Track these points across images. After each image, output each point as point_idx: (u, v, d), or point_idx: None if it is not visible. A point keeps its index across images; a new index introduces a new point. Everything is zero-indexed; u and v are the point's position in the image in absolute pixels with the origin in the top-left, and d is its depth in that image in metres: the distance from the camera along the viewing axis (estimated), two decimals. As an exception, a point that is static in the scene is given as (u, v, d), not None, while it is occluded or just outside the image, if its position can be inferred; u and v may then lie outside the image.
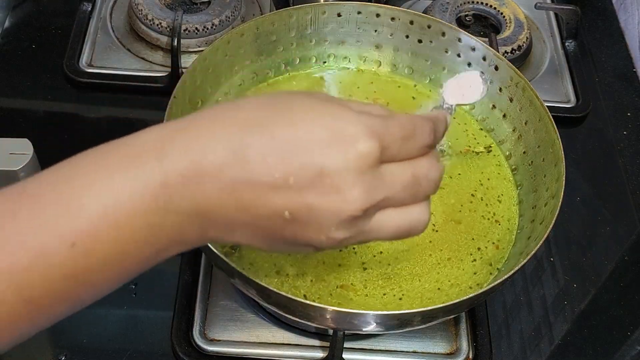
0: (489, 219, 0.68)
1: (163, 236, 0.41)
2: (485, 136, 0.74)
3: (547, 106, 0.68)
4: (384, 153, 0.42)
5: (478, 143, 0.73)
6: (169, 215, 0.40)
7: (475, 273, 0.64)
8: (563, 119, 0.87)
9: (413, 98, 0.76)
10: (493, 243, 0.66)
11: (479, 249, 0.66)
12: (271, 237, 0.43)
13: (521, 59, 0.91)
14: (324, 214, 0.41)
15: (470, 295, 0.55)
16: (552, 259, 0.77)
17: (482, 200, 0.69)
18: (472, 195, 0.69)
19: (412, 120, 0.44)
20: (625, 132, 0.89)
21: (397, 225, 0.44)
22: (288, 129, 0.41)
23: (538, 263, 0.76)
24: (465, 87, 0.56)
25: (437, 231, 0.66)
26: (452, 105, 0.54)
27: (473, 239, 0.66)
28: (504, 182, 0.70)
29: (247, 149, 0.40)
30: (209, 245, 0.56)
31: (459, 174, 0.71)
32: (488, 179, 0.71)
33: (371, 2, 0.77)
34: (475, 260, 0.65)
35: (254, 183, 0.40)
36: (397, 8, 0.76)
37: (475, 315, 0.69)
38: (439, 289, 0.63)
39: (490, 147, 0.73)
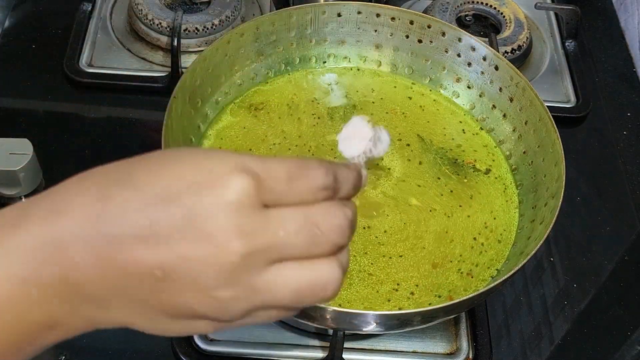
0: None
1: (29, 319, 0.36)
2: (490, 154, 0.73)
3: (547, 106, 0.68)
4: (264, 193, 0.37)
5: (480, 160, 0.73)
6: (31, 290, 0.36)
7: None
8: (563, 119, 0.87)
9: (409, 98, 0.76)
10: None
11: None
12: (149, 308, 0.37)
13: (521, 58, 0.91)
14: (198, 266, 0.35)
15: (470, 295, 0.55)
16: (552, 259, 0.77)
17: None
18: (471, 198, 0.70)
19: (303, 161, 0.39)
20: (625, 132, 0.89)
21: (297, 282, 0.37)
22: (153, 177, 0.36)
23: (538, 263, 0.76)
24: (359, 136, 0.51)
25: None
26: (355, 157, 0.46)
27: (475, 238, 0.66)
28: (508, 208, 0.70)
29: (108, 202, 0.36)
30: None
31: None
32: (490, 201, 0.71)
33: (371, 2, 0.76)
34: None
35: (117, 238, 0.35)
36: (397, 8, 0.76)
37: (475, 316, 0.69)
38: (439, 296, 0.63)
39: (490, 169, 0.72)
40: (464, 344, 0.68)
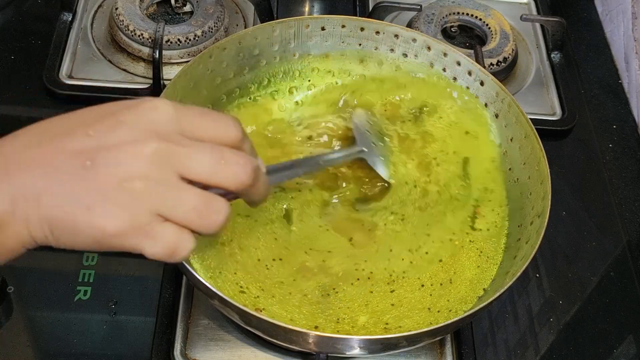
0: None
1: None
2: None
3: (532, 119, 0.68)
4: (182, 120, 0.45)
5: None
6: None
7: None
8: (549, 132, 0.87)
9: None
10: (478, 267, 0.66)
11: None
12: (73, 197, 0.43)
13: (507, 70, 0.91)
14: (119, 154, 0.43)
15: (456, 318, 0.54)
16: (538, 275, 0.76)
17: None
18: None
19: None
20: (610, 145, 0.89)
21: (198, 198, 0.44)
22: (88, 109, 0.47)
23: (524, 277, 0.76)
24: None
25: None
26: None
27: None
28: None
29: (47, 124, 0.45)
30: (189, 268, 0.55)
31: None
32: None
33: (356, 15, 0.76)
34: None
35: (56, 135, 0.44)
36: (382, 22, 0.75)
37: (460, 335, 0.68)
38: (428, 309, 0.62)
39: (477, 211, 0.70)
40: (449, 363, 0.67)
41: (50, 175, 0.43)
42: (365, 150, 0.68)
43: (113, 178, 0.43)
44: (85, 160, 0.43)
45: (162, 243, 0.44)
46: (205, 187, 0.45)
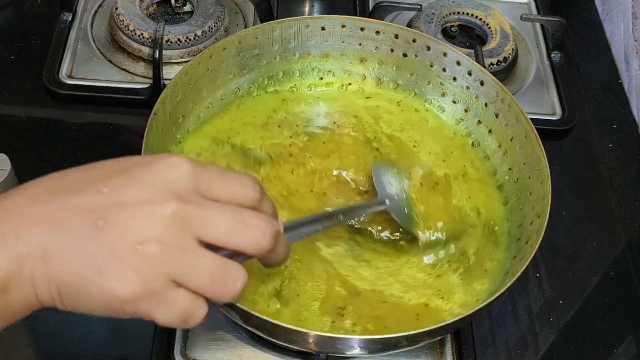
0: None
1: None
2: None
3: (532, 118, 0.68)
4: (200, 180, 0.43)
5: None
6: None
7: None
8: (549, 132, 0.87)
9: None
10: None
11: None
12: (84, 259, 0.41)
13: (507, 70, 0.91)
14: (134, 214, 0.41)
15: (456, 318, 0.54)
16: (538, 275, 0.76)
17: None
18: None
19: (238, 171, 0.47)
20: (610, 145, 0.89)
21: (215, 264, 0.42)
22: (101, 163, 0.45)
23: (524, 277, 0.76)
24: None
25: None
26: None
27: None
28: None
29: (57, 178, 0.44)
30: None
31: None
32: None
33: (356, 15, 0.76)
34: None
35: (67, 196, 0.42)
36: (382, 22, 0.75)
37: (460, 335, 0.68)
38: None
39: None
40: (449, 363, 0.67)
41: (60, 233, 0.41)
42: (388, 203, 0.65)
43: (126, 240, 0.41)
44: (97, 219, 0.41)
45: (176, 310, 0.42)
46: (219, 247, 0.43)
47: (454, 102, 0.74)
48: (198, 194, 0.43)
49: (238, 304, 0.52)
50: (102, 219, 0.41)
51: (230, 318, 0.65)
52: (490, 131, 0.72)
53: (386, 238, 0.66)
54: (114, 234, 0.41)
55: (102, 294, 0.41)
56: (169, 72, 0.86)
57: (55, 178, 0.44)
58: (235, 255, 0.44)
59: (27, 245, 0.41)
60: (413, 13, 0.93)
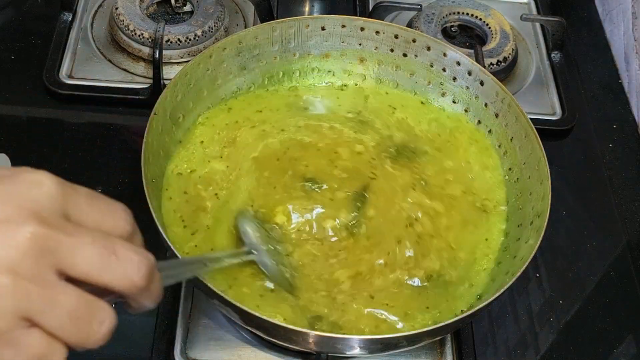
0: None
1: None
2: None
3: (532, 118, 0.68)
4: (67, 201, 0.37)
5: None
6: None
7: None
8: (549, 131, 0.87)
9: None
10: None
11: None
12: None
13: (507, 70, 0.91)
14: None
15: (456, 318, 0.54)
16: (538, 275, 0.76)
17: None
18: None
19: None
20: (610, 145, 0.89)
21: (78, 302, 0.36)
22: None
23: (524, 277, 0.76)
24: None
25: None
26: None
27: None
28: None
29: None
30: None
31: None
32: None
33: (356, 15, 0.76)
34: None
35: None
36: (382, 22, 0.75)
37: (460, 335, 0.68)
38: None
39: None
40: (449, 363, 0.67)
41: None
42: (255, 253, 0.61)
43: None
44: None
45: (25, 355, 0.36)
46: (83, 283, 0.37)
47: (454, 102, 0.75)
48: (64, 218, 0.37)
49: (239, 304, 0.52)
50: None
51: (230, 318, 0.66)
52: (490, 131, 0.72)
53: None
54: None
55: None
56: (169, 72, 0.86)
57: None
58: (101, 293, 0.38)
59: None
60: (413, 13, 0.93)
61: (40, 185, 0.37)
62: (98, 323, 0.37)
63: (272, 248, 0.63)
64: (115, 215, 0.39)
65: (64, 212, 0.37)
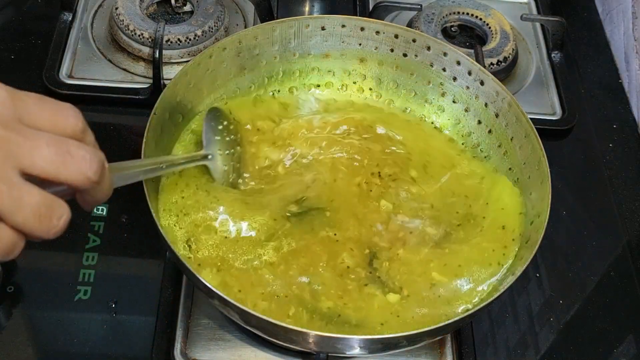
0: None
1: None
2: None
3: (532, 118, 0.68)
4: (18, 106, 0.40)
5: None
6: None
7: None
8: (549, 131, 0.87)
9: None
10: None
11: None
12: None
13: (507, 70, 0.91)
14: None
15: (456, 318, 0.54)
16: (538, 275, 0.76)
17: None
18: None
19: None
20: (611, 145, 0.89)
21: (39, 198, 0.40)
22: None
23: (524, 277, 0.76)
24: None
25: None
26: None
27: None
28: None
29: None
30: (189, 267, 0.55)
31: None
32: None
33: (356, 15, 0.76)
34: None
35: None
36: (382, 22, 0.75)
37: (460, 334, 0.68)
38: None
39: None
40: (450, 363, 0.67)
41: None
42: (211, 156, 0.64)
43: None
44: None
45: None
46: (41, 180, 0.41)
47: (453, 102, 0.75)
48: (19, 122, 0.40)
49: (239, 304, 0.52)
50: None
51: (230, 318, 0.66)
52: (490, 131, 0.72)
53: None
54: None
55: None
56: (169, 72, 0.86)
57: None
58: (57, 189, 0.42)
59: None
60: (413, 13, 0.93)
61: None
62: (57, 218, 0.41)
63: (231, 152, 0.65)
64: (65, 114, 0.43)
65: (18, 117, 0.40)
